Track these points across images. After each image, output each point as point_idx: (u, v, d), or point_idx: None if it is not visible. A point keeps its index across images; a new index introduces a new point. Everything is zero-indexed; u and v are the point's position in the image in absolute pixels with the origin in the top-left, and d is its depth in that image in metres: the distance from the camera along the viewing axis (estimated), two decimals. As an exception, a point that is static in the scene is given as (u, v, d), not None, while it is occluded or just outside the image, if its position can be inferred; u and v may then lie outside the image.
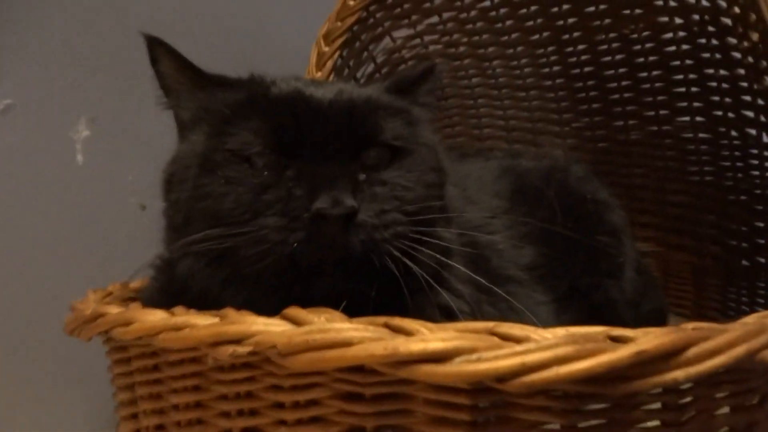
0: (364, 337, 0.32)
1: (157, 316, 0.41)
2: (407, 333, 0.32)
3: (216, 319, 0.38)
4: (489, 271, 0.63)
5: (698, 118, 0.97)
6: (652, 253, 1.01)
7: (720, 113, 0.93)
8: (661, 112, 1.02)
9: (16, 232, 0.75)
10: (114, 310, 0.46)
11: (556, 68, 1.08)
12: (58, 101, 0.78)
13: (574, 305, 0.66)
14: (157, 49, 0.53)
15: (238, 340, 0.36)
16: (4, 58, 0.74)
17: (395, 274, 0.44)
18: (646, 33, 0.95)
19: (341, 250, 0.43)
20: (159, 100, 0.55)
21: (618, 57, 1.01)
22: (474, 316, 0.52)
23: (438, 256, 0.49)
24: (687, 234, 1.03)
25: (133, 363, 0.49)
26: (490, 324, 0.32)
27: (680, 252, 1.05)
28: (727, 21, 0.83)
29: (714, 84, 0.92)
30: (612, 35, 0.98)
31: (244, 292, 0.45)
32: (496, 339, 0.31)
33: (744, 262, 0.95)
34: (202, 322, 0.38)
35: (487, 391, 0.32)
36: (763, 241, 0.92)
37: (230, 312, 0.39)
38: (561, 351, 0.29)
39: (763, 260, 0.92)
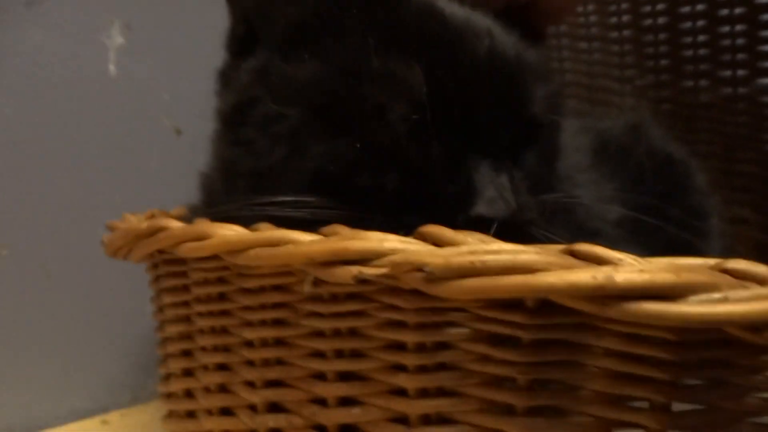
0: (553, 262, 0.24)
1: (239, 231, 0.33)
2: (604, 262, 0.24)
3: (322, 237, 0.30)
4: (573, 224, 0.56)
5: (782, 81, 0.89)
6: (744, 221, 0.94)
7: (809, 76, 0.86)
8: (739, 72, 0.93)
9: (36, 147, 0.66)
10: (177, 224, 0.38)
11: (625, 17, 0.99)
12: (90, 1, 0.69)
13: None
14: None
15: (364, 260, 0.28)
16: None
17: None
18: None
19: None
20: None
21: (699, 7, 0.92)
22: None
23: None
24: (754, 207, 0.96)
25: (192, 290, 0.41)
26: (711, 260, 0.25)
27: (744, 226, 0.97)
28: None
29: (807, 43, 0.84)
30: (696, -18, 0.89)
31: None
32: (730, 277, 0.23)
33: (817, 241, 0.88)
34: (307, 238, 0.30)
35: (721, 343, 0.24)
36: (843, 219, 0.85)
37: (341, 228, 0.31)
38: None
39: (840, 239, 0.85)
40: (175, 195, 0.54)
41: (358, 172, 0.35)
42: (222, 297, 0.39)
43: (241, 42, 0.44)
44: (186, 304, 0.42)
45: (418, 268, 0.26)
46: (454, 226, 0.33)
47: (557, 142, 0.47)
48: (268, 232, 0.32)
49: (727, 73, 0.94)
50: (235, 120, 0.40)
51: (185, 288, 0.42)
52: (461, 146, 0.36)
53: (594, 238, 0.57)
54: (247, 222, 0.35)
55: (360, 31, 0.37)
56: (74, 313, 0.67)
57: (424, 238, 0.28)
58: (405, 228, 0.33)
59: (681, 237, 0.62)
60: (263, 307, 0.36)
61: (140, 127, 0.73)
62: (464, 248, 0.26)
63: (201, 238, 0.34)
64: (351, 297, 0.32)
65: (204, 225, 0.35)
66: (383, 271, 0.27)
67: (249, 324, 0.37)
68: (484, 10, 0.51)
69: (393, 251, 0.27)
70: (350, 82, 0.36)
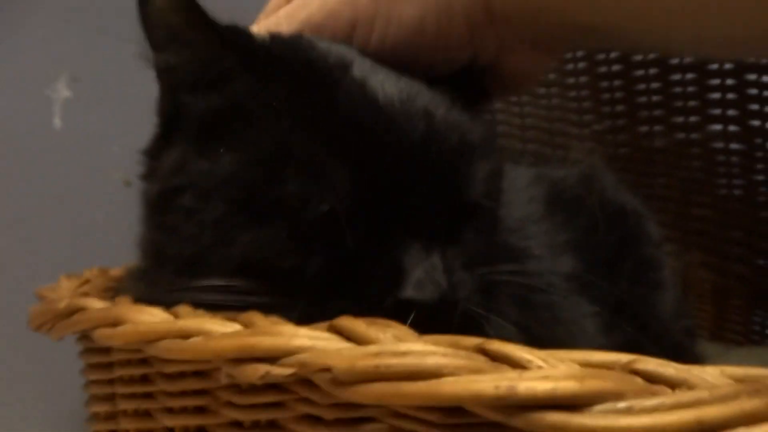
0: (460, 366, 0.23)
1: (156, 317, 0.32)
2: (514, 364, 0.23)
3: (238, 327, 0.29)
4: (526, 277, 0.56)
5: (732, 128, 0.91)
6: (701, 264, 0.94)
7: (757, 123, 0.88)
8: (692, 118, 0.95)
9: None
10: (96, 304, 0.37)
11: (581, 65, 1.01)
12: (35, 53, 0.68)
13: (623, 321, 0.59)
14: None
15: (272, 358, 0.27)
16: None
17: None
18: (685, 32, 0.88)
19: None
20: (142, 55, 0.40)
21: (650, 56, 0.94)
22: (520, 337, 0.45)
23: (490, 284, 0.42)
24: (710, 251, 0.97)
25: (116, 370, 0.39)
26: (623, 356, 0.24)
27: (701, 269, 0.98)
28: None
29: (754, 91, 0.86)
30: (647, 33, 0.91)
31: None
32: (639, 380, 0.23)
33: (772, 285, 0.90)
34: (219, 329, 0.29)
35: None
36: (795, 263, 0.86)
37: (256, 317, 0.30)
38: (747, 405, 0.21)
39: (794, 283, 0.87)
40: (125, 249, 0.52)
41: (282, 259, 0.35)
42: (145, 379, 0.37)
43: (167, 121, 0.42)
44: (111, 382, 0.41)
45: (324, 369, 0.25)
46: (383, 310, 0.33)
47: (496, 216, 0.46)
48: (182, 321, 0.31)
49: (680, 119, 0.97)
50: (160, 206, 0.39)
51: (109, 366, 0.40)
52: (391, 230, 0.36)
53: (548, 293, 0.57)
54: (175, 303, 0.34)
55: (280, 120, 0.36)
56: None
57: (339, 332, 0.27)
58: (331, 314, 0.31)
59: (632, 290, 0.62)
60: (184, 393, 0.34)
61: (88, 181, 0.72)
62: (372, 348, 0.25)
63: (116, 323, 0.33)
64: (270, 387, 0.31)
65: (121, 309, 0.34)
66: (291, 371, 0.26)
67: (170, 410, 0.35)
68: (442, 68, 0.51)
69: (302, 349, 0.26)
70: (269, 174, 0.35)
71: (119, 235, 0.58)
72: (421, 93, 0.41)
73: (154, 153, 0.43)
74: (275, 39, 0.42)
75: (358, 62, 0.42)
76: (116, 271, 0.57)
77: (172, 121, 0.41)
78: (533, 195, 0.68)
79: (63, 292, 0.44)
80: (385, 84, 0.39)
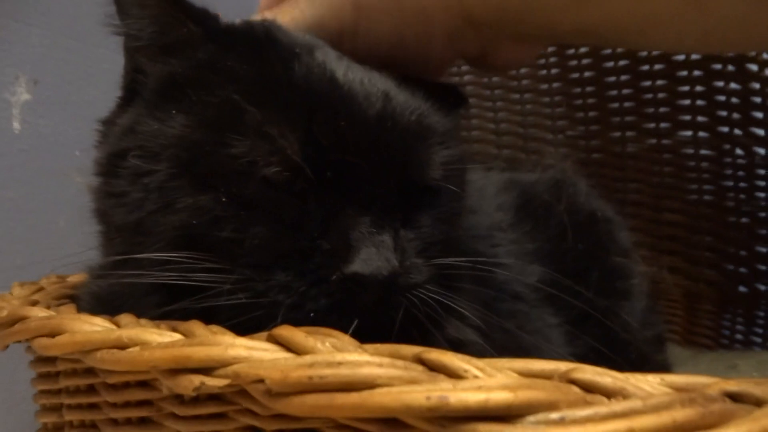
0: (394, 376, 0.22)
1: (94, 326, 0.31)
2: (451, 373, 0.23)
3: (177, 336, 0.28)
4: (493, 286, 0.55)
5: (702, 134, 0.92)
6: (672, 269, 0.95)
7: (726, 129, 0.88)
8: (662, 124, 0.96)
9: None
10: (39, 313, 0.36)
11: (554, 71, 1.01)
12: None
13: (589, 330, 0.59)
14: None
15: (207, 369, 0.26)
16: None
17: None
18: (655, 39, 0.89)
19: (369, 321, 0.33)
20: (107, 20, 0.40)
21: (621, 63, 0.95)
22: (484, 346, 0.44)
23: (451, 283, 0.41)
24: (681, 255, 0.98)
25: (61, 380, 0.38)
26: (563, 365, 0.24)
27: (673, 274, 0.99)
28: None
29: (722, 98, 0.87)
30: (618, 39, 0.92)
31: None
32: (576, 389, 0.22)
33: (741, 289, 0.90)
34: (156, 339, 0.28)
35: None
36: (763, 267, 0.87)
37: (196, 326, 0.29)
38: (679, 415, 0.20)
39: (762, 287, 0.87)
40: (87, 253, 0.51)
41: (222, 227, 0.34)
42: (90, 389, 0.36)
43: (127, 89, 0.42)
44: (57, 392, 0.39)
45: (258, 380, 0.24)
46: (328, 285, 0.33)
47: (458, 206, 0.45)
48: (120, 331, 0.30)
49: (651, 125, 0.97)
50: (109, 171, 0.39)
51: (56, 376, 0.39)
52: (341, 203, 0.35)
53: (514, 301, 0.57)
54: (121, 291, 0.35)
55: (235, 86, 0.36)
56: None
57: (278, 342, 0.27)
58: (272, 289, 0.32)
59: (599, 300, 0.62)
60: (128, 404, 0.34)
61: (48, 185, 0.70)
62: (307, 359, 0.24)
63: (55, 333, 0.32)
64: (212, 398, 0.30)
65: (61, 318, 0.33)
66: (225, 382, 0.25)
67: (115, 422, 0.34)
68: (428, 71, 0.51)
69: (237, 360, 0.25)
70: (217, 138, 0.34)
71: (81, 241, 0.58)
72: (385, 79, 0.41)
73: (110, 120, 0.42)
74: (245, 21, 0.43)
75: (325, 49, 0.42)
76: (75, 278, 0.56)
77: (132, 89, 0.41)
78: (503, 202, 0.68)
79: (11, 300, 0.43)
80: (348, 67, 0.40)
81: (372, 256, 0.33)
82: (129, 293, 0.38)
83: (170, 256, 0.34)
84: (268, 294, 0.33)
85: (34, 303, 0.42)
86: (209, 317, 0.32)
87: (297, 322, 0.29)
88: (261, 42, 0.39)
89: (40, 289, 0.48)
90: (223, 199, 0.34)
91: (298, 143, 0.34)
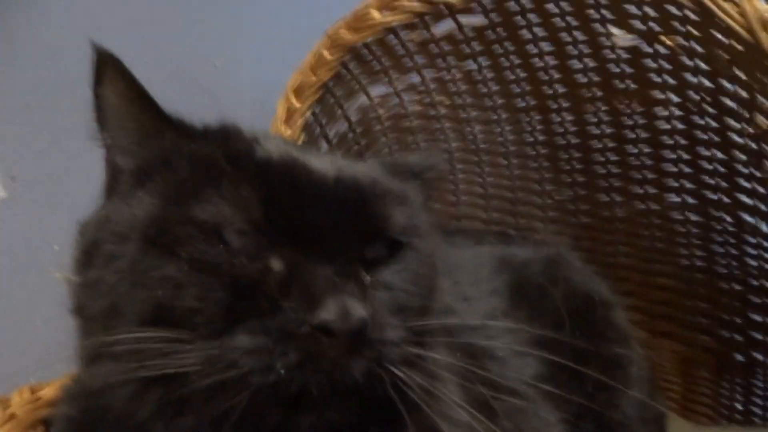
0: None
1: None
2: None
3: None
4: (488, 384, 0.54)
5: (689, 200, 0.92)
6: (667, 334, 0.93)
7: (714, 196, 0.89)
8: (650, 190, 0.97)
9: None
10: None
11: (540, 137, 1.02)
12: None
13: (588, 426, 0.57)
14: (107, 66, 0.41)
15: None
16: None
17: (388, 400, 0.36)
18: (638, 108, 0.89)
19: (343, 376, 0.33)
20: (92, 134, 0.43)
21: (607, 130, 0.95)
22: None
23: (435, 370, 0.40)
24: (675, 321, 0.97)
25: None
26: None
27: (667, 340, 0.98)
28: (731, 103, 0.78)
29: (709, 166, 0.87)
30: (602, 107, 0.93)
31: (186, 425, 0.35)
32: None
33: (738, 357, 0.89)
34: None
35: None
36: (759, 336, 0.86)
37: None
38: None
39: (759, 356, 0.86)
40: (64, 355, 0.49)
41: (184, 295, 0.34)
42: None
43: (107, 191, 0.45)
44: None
45: None
46: (297, 339, 0.32)
47: (430, 272, 0.44)
48: None
49: (639, 190, 0.97)
50: (85, 263, 0.40)
51: None
52: (303, 261, 0.35)
53: (511, 398, 0.55)
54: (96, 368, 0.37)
55: (198, 165, 0.38)
56: None
57: None
58: (233, 351, 0.32)
59: (597, 394, 0.60)
60: None
61: (27, 282, 0.68)
62: None
63: None
64: None
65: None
66: None
67: None
68: None
69: None
70: (182, 208, 0.36)
71: (59, 339, 0.55)
72: (336, 157, 0.45)
73: (88, 220, 0.44)
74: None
75: (280, 138, 0.45)
76: (48, 391, 0.54)
77: (110, 187, 0.44)
78: (496, 286, 0.67)
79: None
80: (303, 148, 0.43)
81: (339, 303, 0.33)
82: (102, 405, 0.38)
83: (138, 336, 0.34)
84: (237, 364, 0.32)
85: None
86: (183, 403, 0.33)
87: (270, 387, 0.31)
88: (226, 129, 0.43)
89: (12, 417, 0.46)
90: (186, 267, 0.35)
91: (259, 205, 0.36)
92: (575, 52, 0.84)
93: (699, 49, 0.70)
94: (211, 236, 0.36)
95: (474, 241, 0.79)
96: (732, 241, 0.88)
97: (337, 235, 0.37)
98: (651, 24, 0.73)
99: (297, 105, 0.84)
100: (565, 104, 0.94)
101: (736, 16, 0.57)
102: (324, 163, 0.41)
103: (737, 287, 0.88)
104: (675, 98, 0.84)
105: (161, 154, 0.41)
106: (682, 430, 0.80)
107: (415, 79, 0.94)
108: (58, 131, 0.68)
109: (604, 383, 0.60)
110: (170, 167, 0.40)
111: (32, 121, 0.66)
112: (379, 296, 0.38)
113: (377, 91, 0.95)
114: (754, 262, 0.85)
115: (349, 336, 0.33)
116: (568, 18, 0.79)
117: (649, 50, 0.78)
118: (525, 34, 0.85)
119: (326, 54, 0.82)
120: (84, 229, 0.44)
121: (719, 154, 0.84)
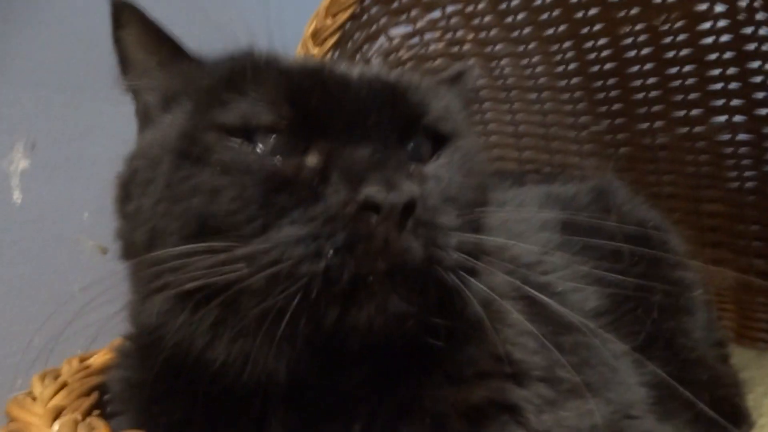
0: None
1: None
2: None
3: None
4: (549, 319, 0.51)
5: (737, 118, 0.87)
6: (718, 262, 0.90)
7: (764, 111, 0.83)
8: (693, 112, 0.91)
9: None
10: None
11: (572, 66, 0.96)
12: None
13: (657, 353, 0.54)
14: (124, 11, 0.42)
15: None
16: None
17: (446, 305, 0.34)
18: (679, 23, 0.83)
19: (397, 255, 0.31)
20: (117, 80, 0.43)
21: (645, 51, 0.89)
22: (546, 381, 0.42)
23: (487, 290, 0.38)
24: (726, 247, 0.93)
25: None
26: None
27: (721, 266, 0.94)
28: (785, 8, 0.72)
29: (759, 79, 0.81)
30: (639, 27, 0.86)
31: (245, 344, 0.33)
32: None
33: (795, 278, 0.85)
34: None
35: None
36: (819, 255, 0.82)
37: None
38: None
39: (819, 275, 0.82)
40: (107, 319, 0.47)
41: (221, 199, 0.33)
42: None
43: (140, 126, 0.45)
44: None
45: None
46: (344, 218, 0.31)
47: (476, 162, 0.42)
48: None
49: (681, 113, 0.92)
50: (124, 196, 0.40)
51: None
52: (338, 149, 0.34)
53: (573, 334, 0.52)
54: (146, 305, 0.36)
55: (217, 79, 0.38)
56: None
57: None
58: (287, 244, 0.31)
59: (663, 321, 0.57)
60: None
61: (58, 254, 0.66)
62: None
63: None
64: None
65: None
66: None
67: None
68: None
69: None
70: (207, 116, 0.36)
71: (99, 307, 0.54)
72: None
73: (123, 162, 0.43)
74: None
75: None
76: (99, 357, 0.53)
77: (141, 127, 0.44)
78: (546, 221, 0.64)
79: (35, 409, 0.39)
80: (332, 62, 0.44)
81: (383, 177, 0.31)
82: (158, 342, 0.36)
83: (182, 249, 0.33)
84: (284, 255, 0.31)
85: (58, 413, 0.38)
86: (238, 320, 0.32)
87: (323, 278, 0.30)
88: (250, 47, 0.41)
89: (63, 385, 0.44)
90: (219, 172, 0.34)
91: (287, 104, 0.35)
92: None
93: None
94: (241, 138, 0.35)
95: (513, 182, 0.76)
96: (786, 157, 0.83)
97: (372, 123, 0.36)
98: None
99: (315, 51, 0.79)
100: (598, 27, 0.88)
101: None
102: (348, 68, 0.40)
103: (793, 205, 0.84)
104: (720, 7, 0.77)
105: (184, 79, 0.41)
106: (743, 356, 0.77)
107: (437, 14, 0.89)
108: (75, 89, 0.65)
109: (670, 309, 0.57)
110: (194, 86, 0.39)
111: (47, 82, 0.63)
112: (429, 186, 0.36)
113: (398, 31, 0.90)
114: (811, 177, 0.80)
115: (398, 210, 0.31)
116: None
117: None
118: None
119: (342, -7, 0.78)
120: (120, 171, 0.43)
121: (770, 65, 0.78)
